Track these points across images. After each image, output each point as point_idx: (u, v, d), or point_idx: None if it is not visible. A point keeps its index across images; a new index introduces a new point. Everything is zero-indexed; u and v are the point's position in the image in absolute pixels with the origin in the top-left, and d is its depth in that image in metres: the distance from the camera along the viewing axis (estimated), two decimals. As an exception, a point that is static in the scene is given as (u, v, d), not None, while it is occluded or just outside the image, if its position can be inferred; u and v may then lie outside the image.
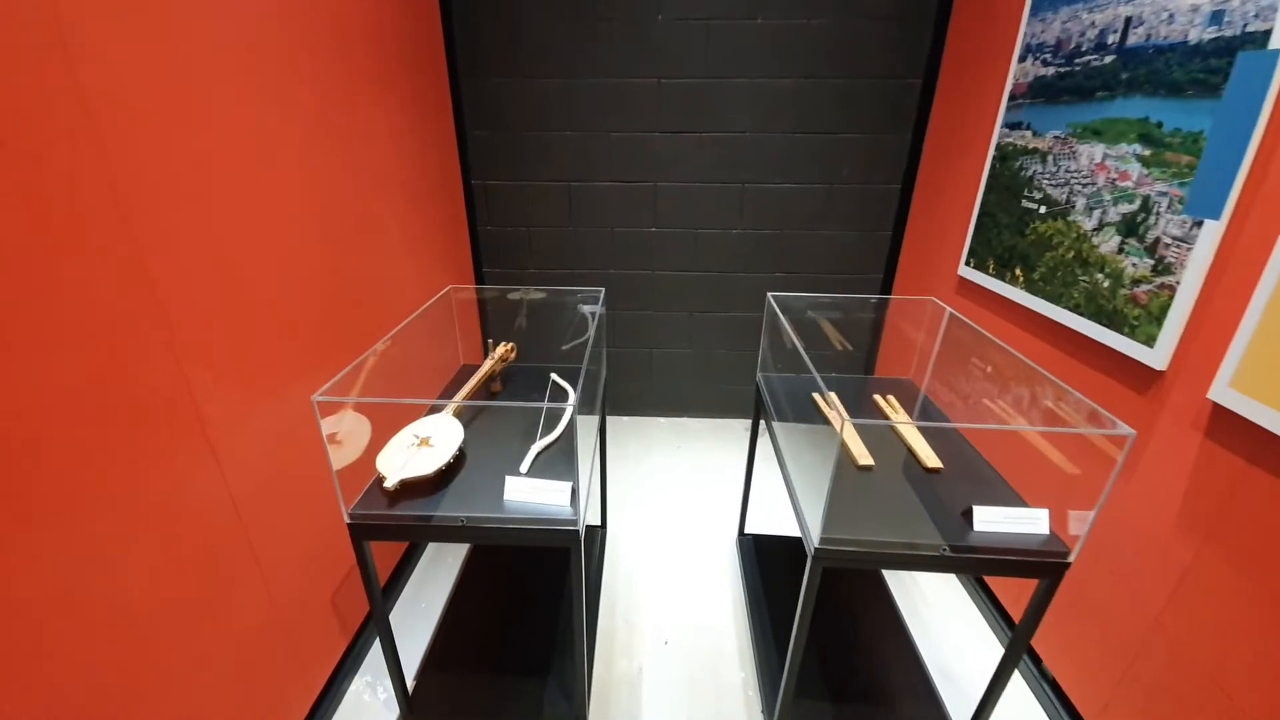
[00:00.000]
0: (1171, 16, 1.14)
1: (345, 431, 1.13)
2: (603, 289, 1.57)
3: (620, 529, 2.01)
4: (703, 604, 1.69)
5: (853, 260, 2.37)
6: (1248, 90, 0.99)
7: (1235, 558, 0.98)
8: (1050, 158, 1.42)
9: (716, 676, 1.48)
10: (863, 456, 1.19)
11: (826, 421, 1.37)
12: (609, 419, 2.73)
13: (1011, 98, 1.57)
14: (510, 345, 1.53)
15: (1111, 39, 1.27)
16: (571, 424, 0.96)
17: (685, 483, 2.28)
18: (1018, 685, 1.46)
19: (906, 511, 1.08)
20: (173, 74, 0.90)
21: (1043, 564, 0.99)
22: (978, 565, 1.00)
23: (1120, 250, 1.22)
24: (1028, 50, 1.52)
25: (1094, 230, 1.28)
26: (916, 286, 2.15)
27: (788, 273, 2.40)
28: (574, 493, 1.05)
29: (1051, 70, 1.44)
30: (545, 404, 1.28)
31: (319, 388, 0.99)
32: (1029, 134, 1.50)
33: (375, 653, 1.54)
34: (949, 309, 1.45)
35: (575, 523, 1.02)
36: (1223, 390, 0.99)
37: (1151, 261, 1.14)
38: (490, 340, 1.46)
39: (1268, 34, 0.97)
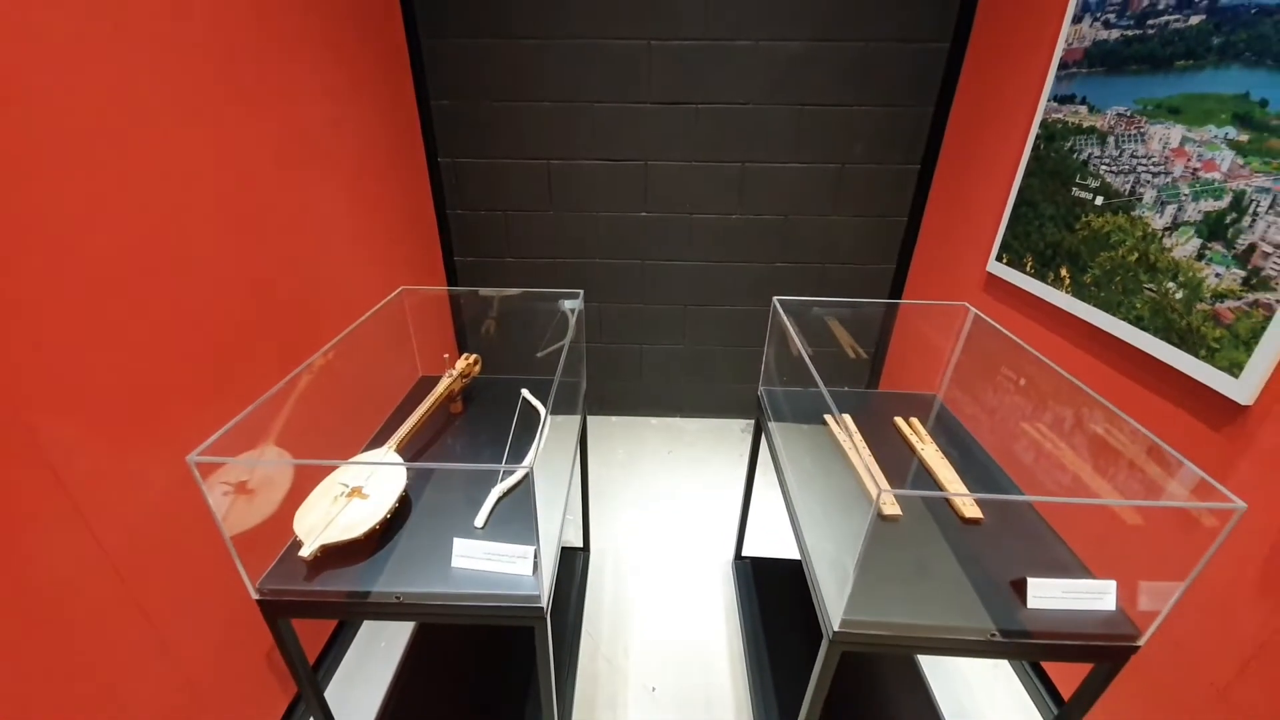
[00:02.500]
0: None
1: (260, 478, 0.92)
2: (581, 291, 1.34)
3: (605, 550, 1.83)
4: (695, 641, 1.53)
5: (863, 250, 2.15)
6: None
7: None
8: (1111, 139, 1.20)
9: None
10: (889, 504, 1.00)
11: (838, 446, 1.18)
12: (597, 420, 2.54)
13: (1062, 66, 1.34)
14: (473, 358, 1.31)
15: (1203, -6, 1.04)
16: (529, 485, 0.77)
17: (677, 493, 2.10)
18: (1044, 738, 1.32)
19: (942, 577, 0.89)
20: (-22, 25, 0.67)
21: (1107, 648, 0.81)
22: (1031, 651, 0.82)
23: (1200, 256, 1.01)
24: (1085, 8, 1.28)
25: (1166, 229, 1.07)
26: (935, 281, 1.94)
27: (791, 263, 2.18)
28: (536, 560, 0.86)
29: (1116, 33, 1.20)
30: (502, 465, 1.07)
31: (224, 423, 0.79)
32: (1084, 110, 1.27)
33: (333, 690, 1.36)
34: (988, 319, 1.25)
35: (538, 598, 0.83)
36: (1336, 438, 0.80)
37: (1243, 273, 0.94)
38: (447, 355, 1.24)
39: None
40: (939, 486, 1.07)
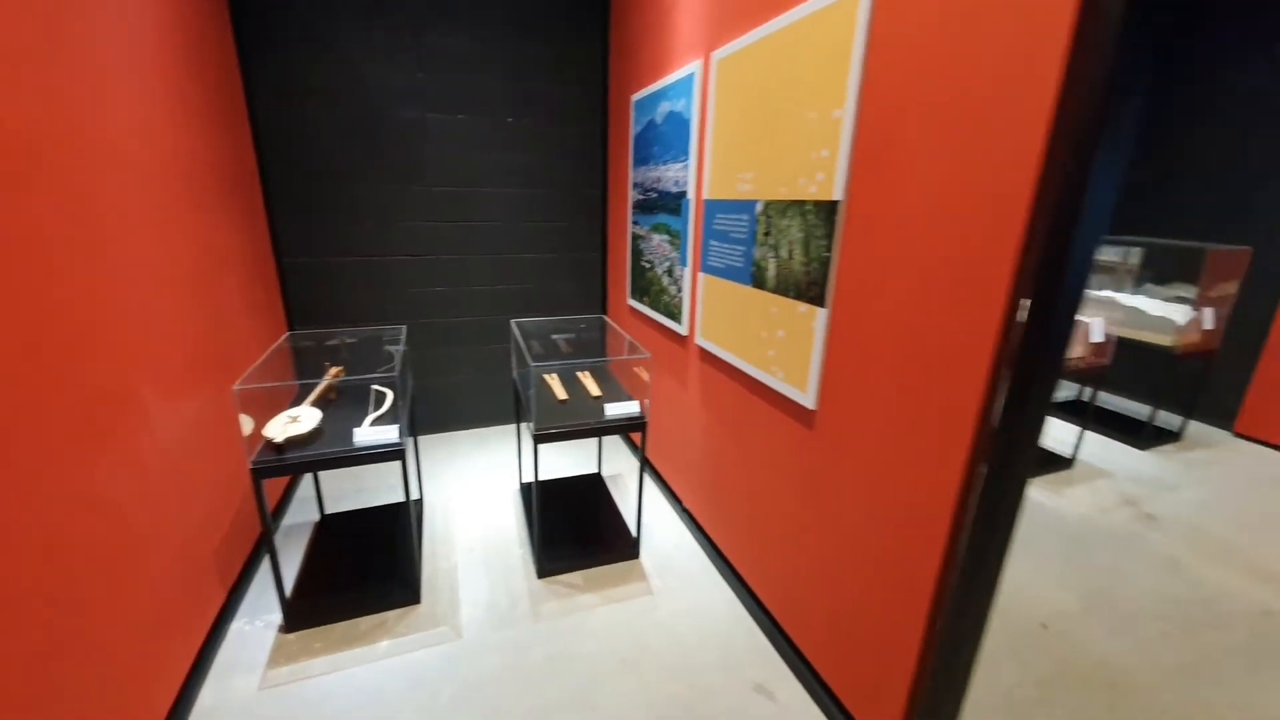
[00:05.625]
0: (674, 180, 2.52)
1: (240, 421, 1.82)
2: (404, 326, 2.44)
3: (435, 502, 2.79)
4: (498, 524, 2.59)
5: (578, 302, 3.58)
6: (686, 213, 2.36)
7: (710, 409, 2.27)
8: (645, 240, 2.77)
9: (506, 557, 2.38)
10: (560, 394, 2.27)
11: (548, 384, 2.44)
12: (424, 438, 3.47)
13: (633, 208, 2.93)
14: (340, 368, 2.29)
15: (656, 186, 2.65)
16: (398, 385, 1.82)
17: (485, 467, 3.14)
18: (673, 520, 2.65)
19: (582, 415, 2.17)
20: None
21: (634, 424, 2.15)
22: (608, 430, 2.12)
23: (668, 284, 2.55)
24: (634, 185, 2.89)
25: (662, 275, 2.62)
26: (615, 313, 3.44)
27: (536, 315, 3.51)
28: (400, 430, 1.91)
29: (641, 196, 2.81)
30: (376, 375, 2.09)
31: (203, 398, 1.69)
32: (639, 227, 2.85)
33: (248, 599, 2.09)
34: (611, 322, 2.67)
35: (401, 445, 1.88)
36: (699, 338, 2.30)
37: (677, 288, 2.48)
38: (327, 363, 2.22)
39: (684, 192, 2.34)
40: (586, 390, 2.39)
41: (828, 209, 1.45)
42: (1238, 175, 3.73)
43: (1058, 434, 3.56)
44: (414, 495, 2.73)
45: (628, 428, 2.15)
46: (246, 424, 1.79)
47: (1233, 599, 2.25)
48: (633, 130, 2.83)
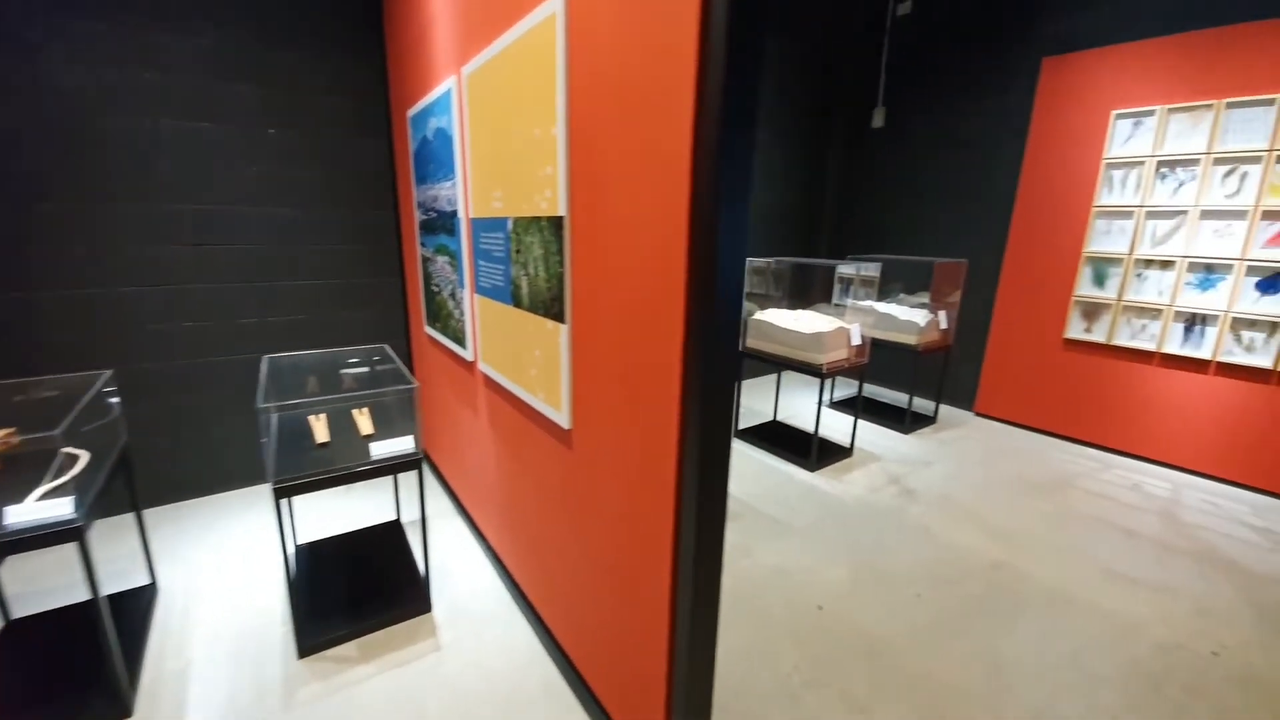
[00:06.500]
0: (447, 199, 2.40)
1: None
2: (109, 370, 1.99)
3: (176, 583, 2.30)
4: (260, 600, 2.19)
5: (375, 332, 3.28)
6: (459, 232, 2.25)
7: (498, 438, 2.15)
8: (432, 263, 2.60)
9: (262, 640, 2.00)
10: (321, 437, 2.01)
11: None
12: (169, 508, 2.88)
13: (419, 229, 2.75)
14: (10, 430, 1.79)
15: (434, 205, 2.51)
16: (72, 443, 1.44)
17: (251, 534, 2.68)
18: (480, 560, 2.47)
19: (344, 458, 1.92)
20: None
21: (408, 462, 1.96)
22: (370, 472, 1.90)
23: (452, 308, 2.41)
24: (418, 204, 2.72)
25: (448, 299, 2.47)
26: (417, 341, 3.20)
27: (324, 348, 3.14)
28: (77, 502, 1.51)
29: (425, 216, 2.65)
30: (43, 434, 1.65)
31: None
32: (426, 250, 2.68)
33: None
34: (389, 350, 2.46)
35: (78, 522, 1.49)
36: (481, 364, 2.18)
37: (460, 312, 2.35)
38: (-21, 426, 1.72)
39: (456, 211, 2.23)
40: (357, 430, 2.14)
41: (557, 224, 1.44)
42: (947, 199, 4.58)
43: (840, 426, 4.01)
44: (143, 580, 2.23)
45: (399, 467, 1.95)
46: None
47: (970, 556, 2.64)
48: (411, 147, 2.68)
